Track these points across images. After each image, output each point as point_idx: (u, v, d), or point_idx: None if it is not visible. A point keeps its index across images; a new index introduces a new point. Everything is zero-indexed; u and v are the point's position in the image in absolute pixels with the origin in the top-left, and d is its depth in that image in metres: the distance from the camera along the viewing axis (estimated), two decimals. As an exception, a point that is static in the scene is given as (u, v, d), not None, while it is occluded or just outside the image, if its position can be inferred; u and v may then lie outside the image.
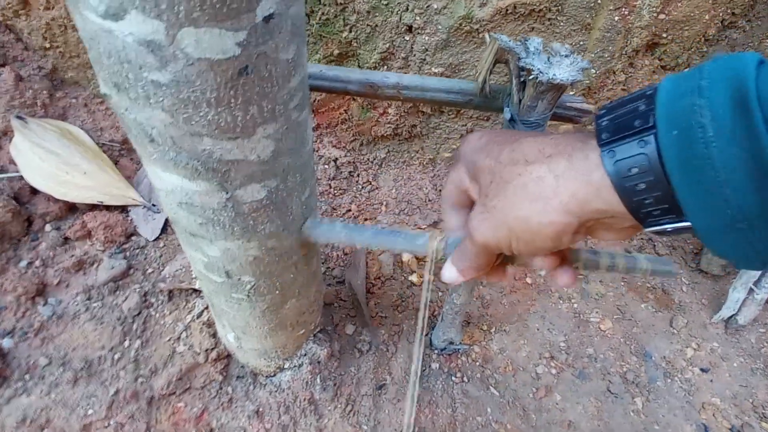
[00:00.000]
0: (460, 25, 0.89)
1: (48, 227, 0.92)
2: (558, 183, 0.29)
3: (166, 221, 0.98)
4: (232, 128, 0.38)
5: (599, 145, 0.28)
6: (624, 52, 0.93)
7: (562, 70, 0.47)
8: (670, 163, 0.25)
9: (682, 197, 0.25)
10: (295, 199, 0.49)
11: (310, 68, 0.53)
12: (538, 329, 0.99)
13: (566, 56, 0.49)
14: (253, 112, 0.38)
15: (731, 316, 1.04)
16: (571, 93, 0.97)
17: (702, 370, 1.00)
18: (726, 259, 0.26)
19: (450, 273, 0.40)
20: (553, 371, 0.94)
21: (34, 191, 0.92)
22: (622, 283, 1.09)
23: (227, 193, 0.43)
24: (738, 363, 1.00)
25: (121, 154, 1.03)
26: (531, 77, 0.46)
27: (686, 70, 0.27)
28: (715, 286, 1.11)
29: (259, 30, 0.33)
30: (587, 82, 0.97)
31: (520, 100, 0.50)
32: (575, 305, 1.04)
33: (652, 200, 0.26)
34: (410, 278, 0.99)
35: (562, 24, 0.89)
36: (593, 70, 0.95)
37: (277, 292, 0.60)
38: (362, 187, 1.08)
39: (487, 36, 0.49)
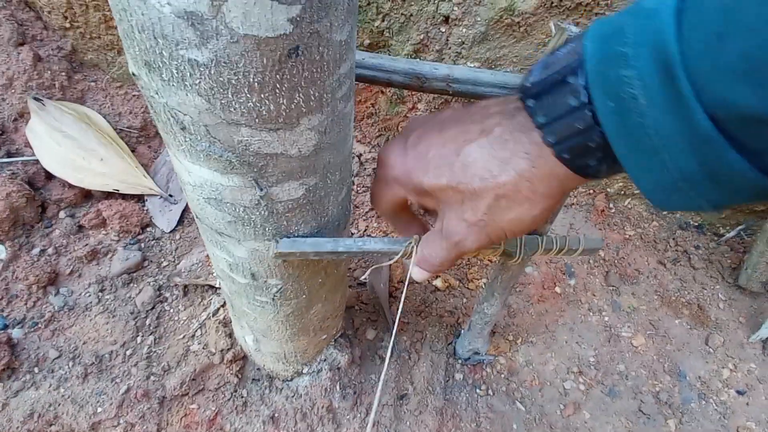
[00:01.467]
0: (501, 17, 0.84)
1: (62, 214, 0.89)
2: (533, 184, 0.31)
3: (183, 212, 0.95)
4: (274, 118, 0.33)
5: (537, 127, 0.29)
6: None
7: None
8: (611, 134, 0.25)
9: (625, 164, 0.26)
10: (332, 199, 0.45)
11: (351, 56, 0.49)
12: (566, 342, 0.94)
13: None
14: (298, 101, 0.33)
15: (771, 337, 0.98)
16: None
17: (738, 392, 0.94)
18: (673, 211, 0.29)
19: (422, 274, 0.42)
20: (582, 387, 0.89)
21: (49, 176, 0.89)
22: (655, 297, 1.03)
23: (262, 190, 0.39)
24: (776, 386, 0.95)
25: (138, 141, 1.00)
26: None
27: (607, 18, 0.26)
28: (754, 304, 1.05)
29: (314, 5, 0.29)
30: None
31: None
32: (606, 318, 0.99)
33: (605, 168, 0.28)
34: (434, 283, 0.95)
35: (609, 20, 0.83)
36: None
37: (304, 296, 0.56)
38: (386, 185, 1.04)
39: (552, 25, 0.45)
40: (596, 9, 0.82)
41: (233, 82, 0.30)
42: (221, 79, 0.30)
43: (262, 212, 0.41)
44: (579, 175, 0.29)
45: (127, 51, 0.33)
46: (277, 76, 0.31)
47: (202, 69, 0.30)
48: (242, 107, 0.32)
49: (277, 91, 0.32)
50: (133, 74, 0.34)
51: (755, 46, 0.19)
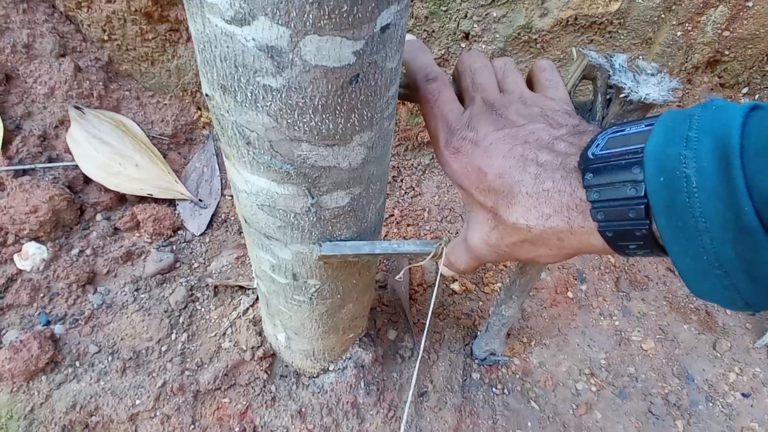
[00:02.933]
0: (519, 34, 0.88)
1: (99, 217, 0.94)
2: (563, 243, 0.33)
3: (213, 217, 0.99)
4: (331, 135, 0.38)
5: (589, 201, 0.30)
6: (683, 69, 0.91)
7: (653, 90, 0.46)
8: (656, 207, 0.26)
9: (665, 239, 0.27)
10: (372, 207, 0.49)
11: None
12: (578, 345, 0.98)
13: (653, 74, 0.48)
14: (353, 120, 0.38)
15: (777, 342, 1.01)
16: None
17: (743, 395, 0.98)
18: (707, 300, 0.28)
19: (448, 271, 0.48)
20: (594, 388, 0.93)
21: (87, 181, 0.94)
22: (665, 302, 1.07)
23: (313, 198, 0.43)
24: (782, 390, 0.98)
25: (170, 148, 1.04)
26: (621, 95, 0.45)
27: (681, 109, 0.28)
28: (760, 311, 1.08)
29: (375, 39, 0.33)
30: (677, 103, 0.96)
31: (603, 118, 0.49)
32: (616, 323, 1.02)
33: (642, 252, 0.29)
34: (452, 286, 0.99)
35: (622, 37, 0.88)
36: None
37: (338, 296, 0.60)
38: (405, 193, 1.08)
39: (574, 51, 0.49)
40: (609, 27, 0.86)
41: (300, 104, 0.35)
42: (290, 102, 0.35)
43: (311, 218, 0.46)
44: (614, 250, 0.30)
45: (204, 76, 0.37)
46: (339, 100, 0.35)
47: (274, 93, 0.34)
48: (305, 126, 0.36)
49: (337, 112, 0.36)
50: (207, 95, 0.39)
51: None
